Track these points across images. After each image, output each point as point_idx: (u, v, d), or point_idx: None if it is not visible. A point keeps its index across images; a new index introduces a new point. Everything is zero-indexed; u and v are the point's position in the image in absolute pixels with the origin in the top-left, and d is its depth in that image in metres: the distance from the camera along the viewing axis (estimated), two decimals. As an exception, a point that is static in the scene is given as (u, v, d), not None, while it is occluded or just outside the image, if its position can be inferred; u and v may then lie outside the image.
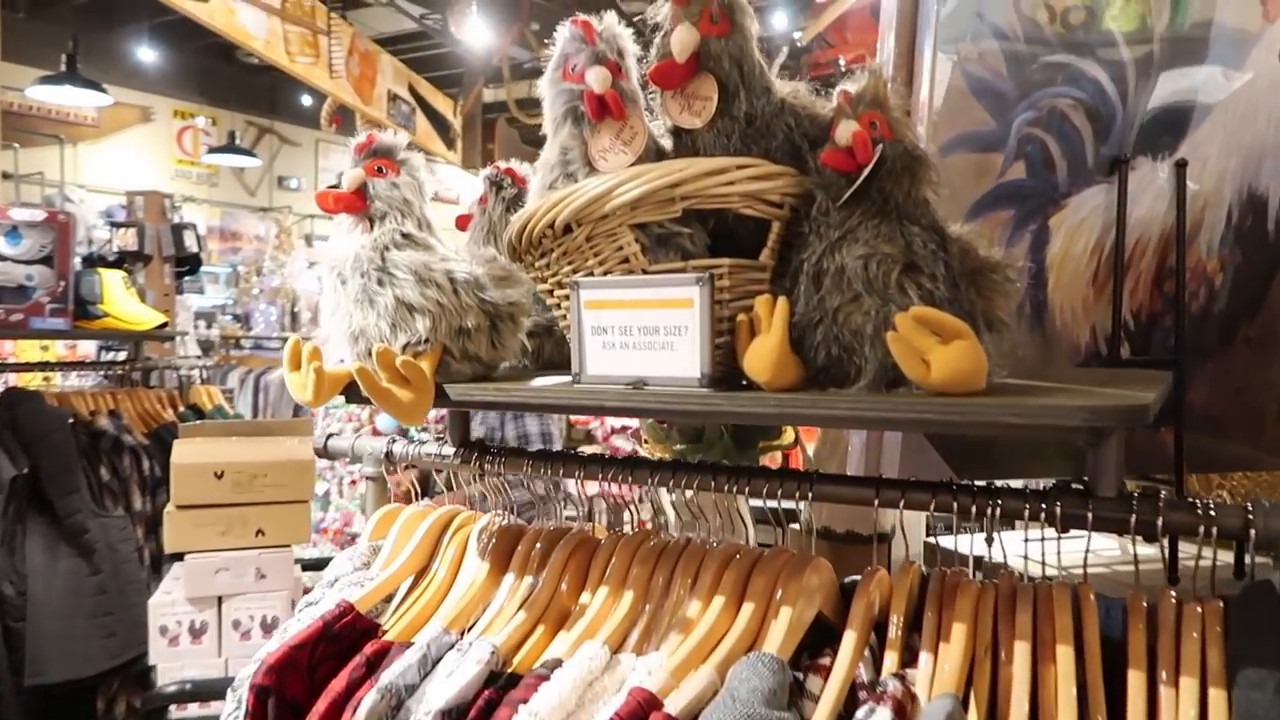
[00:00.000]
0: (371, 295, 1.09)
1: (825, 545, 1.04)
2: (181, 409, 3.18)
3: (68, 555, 2.51)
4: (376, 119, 7.76)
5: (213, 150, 10.14)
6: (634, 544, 1.12)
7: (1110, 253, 1.28)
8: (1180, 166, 1.29)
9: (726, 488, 1.08)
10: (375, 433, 3.36)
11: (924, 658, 0.93)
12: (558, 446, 2.13)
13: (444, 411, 1.41)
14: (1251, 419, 1.40)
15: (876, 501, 0.99)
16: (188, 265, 4.11)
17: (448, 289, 1.09)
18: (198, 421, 2.94)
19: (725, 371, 0.95)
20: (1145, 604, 0.90)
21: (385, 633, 1.13)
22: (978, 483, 0.98)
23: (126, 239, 3.70)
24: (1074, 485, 0.93)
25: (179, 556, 2.14)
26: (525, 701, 0.91)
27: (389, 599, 1.23)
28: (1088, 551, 0.94)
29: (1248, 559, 0.86)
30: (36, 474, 2.51)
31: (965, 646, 0.91)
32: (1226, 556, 1.42)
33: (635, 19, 1.05)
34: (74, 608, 2.48)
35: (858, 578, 1.02)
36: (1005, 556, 1.00)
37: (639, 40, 1.04)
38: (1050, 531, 0.94)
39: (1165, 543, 1.25)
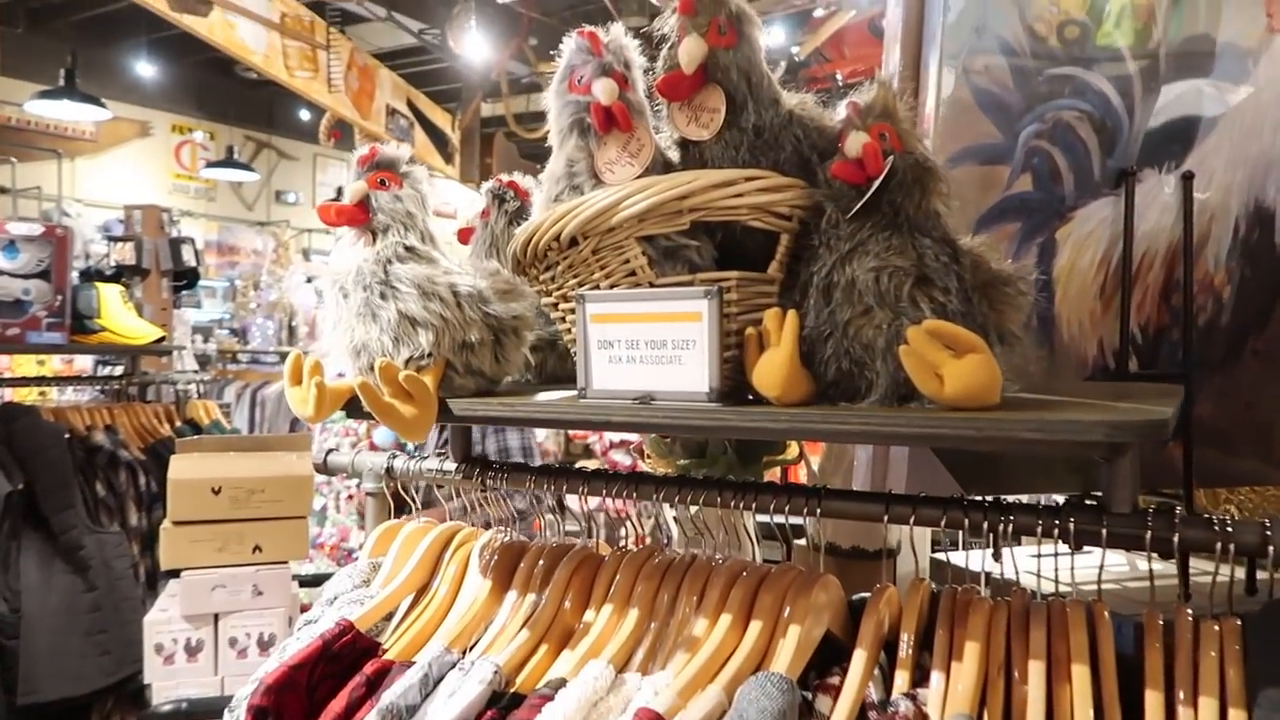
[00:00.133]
0: (374, 309, 1.08)
1: (830, 561, 1.02)
2: (178, 424, 3.16)
3: (62, 572, 2.48)
4: (375, 133, 7.77)
5: (211, 165, 10.14)
6: (638, 561, 1.11)
7: (1117, 265, 1.27)
8: (1187, 179, 1.28)
9: (733, 503, 1.06)
10: (373, 447, 3.34)
11: (936, 677, 0.91)
12: (537, 462, 2.12)
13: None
14: (1260, 433, 1.39)
15: (886, 518, 0.98)
16: (185, 279, 4.10)
17: (451, 302, 1.08)
18: (195, 436, 2.92)
19: (733, 386, 0.93)
20: (1161, 622, 0.89)
21: (386, 651, 1.11)
22: (988, 498, 0.96)
23: (124, 253, 3.70)
24: (1087, 501, 0.92)
25: (175, 573, 2.12)
26: (530, 722, 0.90)
27: (389, 617, 1.22)
28: (1102, 568, 0.93)
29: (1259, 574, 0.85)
30: (31, 490, 2.49)
31: (978, 665, 0.90)
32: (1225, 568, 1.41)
33: (640, 31, 1.05)
34: (68, 625, 2.46)
35: (866, 595, 1.01)
36: (1017, 573, 0.99)
37: (645, 52, 1.03)
38: (1058, 547, 0.92)
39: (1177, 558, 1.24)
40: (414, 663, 1.04)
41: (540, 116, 1.09)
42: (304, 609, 2.13)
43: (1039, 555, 0.99)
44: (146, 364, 3.53)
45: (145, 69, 9.41)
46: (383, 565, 1.29)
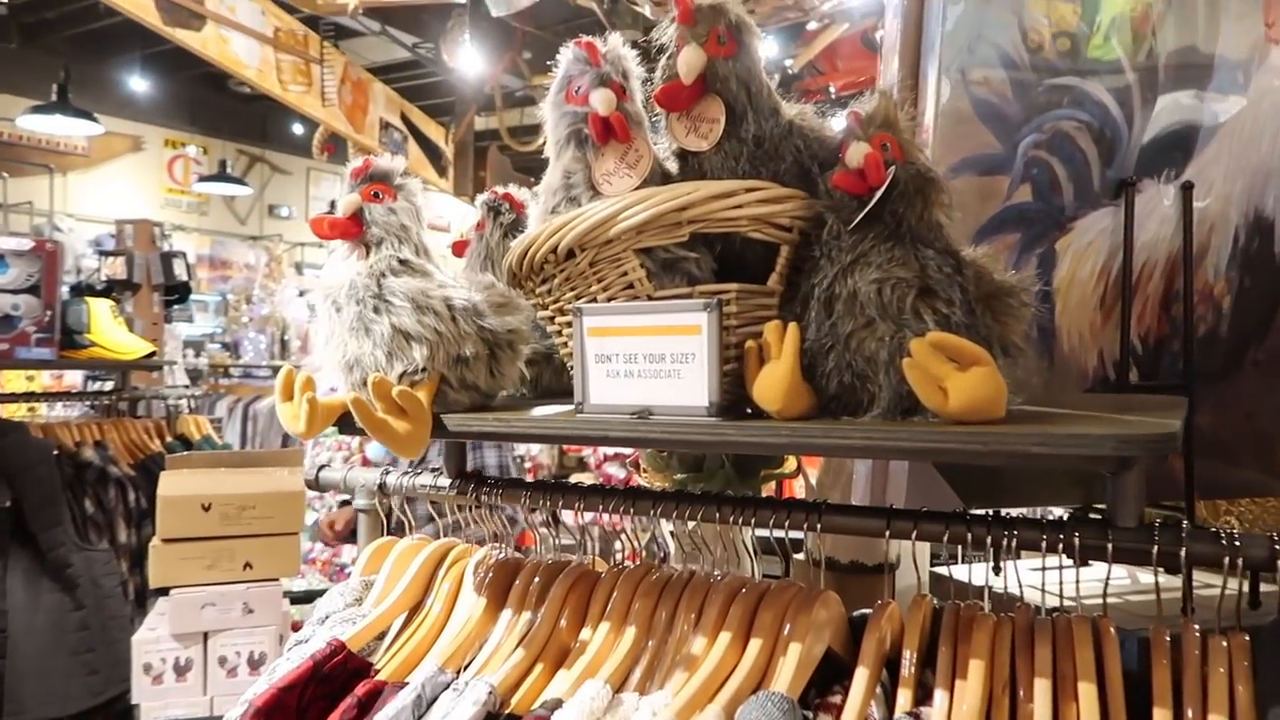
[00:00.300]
0: (367, 323, 1.06)
1: (830, 576, 1.01)
2: (169, 439, 3.14)
3: (50, 590, 2.45)
4: (368, 147, 7.77)
5: (203, 179, 10.13)
6: (635, 577, 1.09)
7: (1117, 276, 1.26)
8: (1186, 189, 1.28)
9: (733, 519, 1.05)
10: (365, 462, 3.31)
11: (939, 696, 0.90)
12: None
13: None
14: (1261, 444, 1.38)
15: (888, 533, 0.97)
16: (177, 294, 4.08)
17: (446, 316, 1.07)
18: (185, 452, 2.90)
19: (733, 400, 0.92)
20: (1167, 637, 0.87)
21: (378, 672, 1.10)
22: (989, 512, 0.95)
23: (115, 267, 3.68)
24: (1092, 514, 0.90)
25: (164, 591, 2.09)
26: (526, 745, 0.88)
27: (382, 636, 1.20)
28: (1108, 581, 0.91)
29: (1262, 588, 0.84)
30: (19, 507, 2.47)
31: (983, 684, 0.88)
32: (1215, 578, 1.40)
33: (638, 42, 1.04)
34: (55, 644, 2.43)
35: (868, 611, 0.99)
36: (1021, 587, 0.98)
37: (642, 62, 1.02)
38: (1061, 560, 0.91)
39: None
40: (407, 683, 1.03)
41: (534, 130, 1.08)
42: (295, 626, 2.10)
43: (1043, 569, 0.97)
44: (137, 379, 3.51)
45: (138, 84, 9.40)
46: (375, 583, 1.27)
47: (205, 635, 2.07)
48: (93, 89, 8.82)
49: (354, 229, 1.10)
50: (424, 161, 9.00)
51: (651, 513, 1.11)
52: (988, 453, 0.74)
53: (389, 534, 1.38)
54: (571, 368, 1.00)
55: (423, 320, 1.05)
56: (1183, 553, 0.84)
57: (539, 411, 1.07)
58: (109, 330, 2.98)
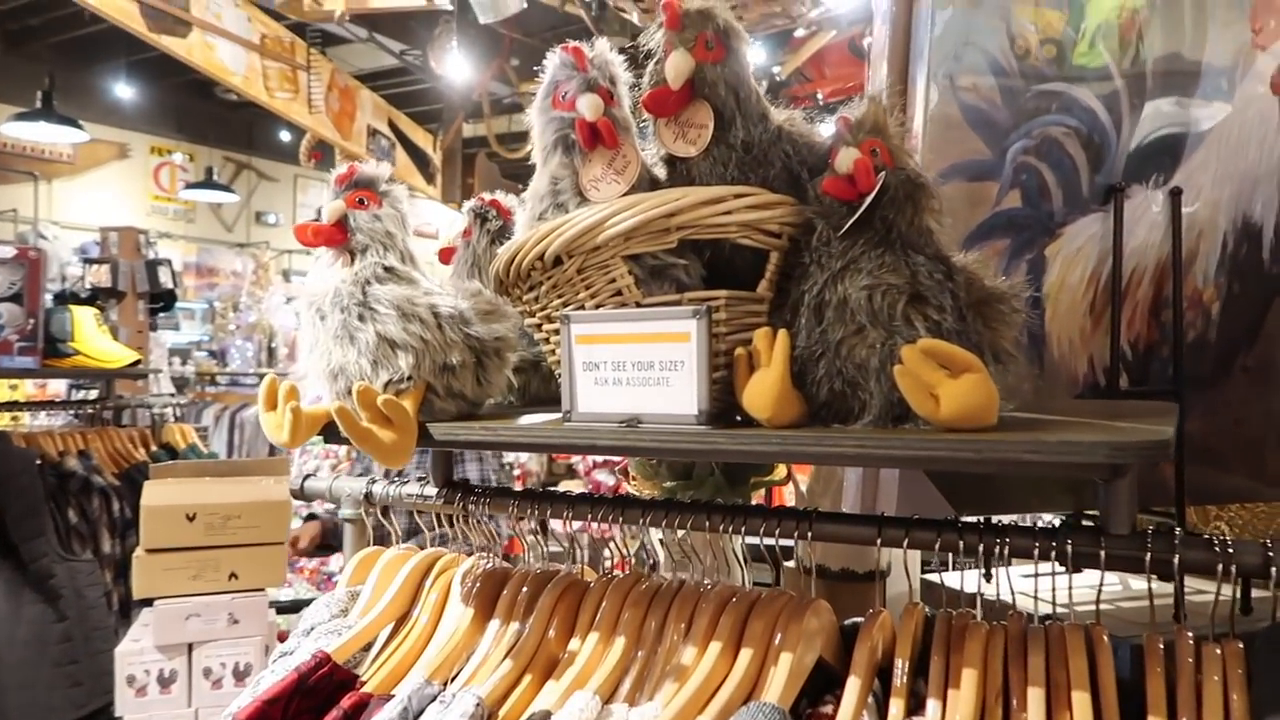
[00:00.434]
0: (352, 331, 1.05)
1: (820, 583, 1.00)
2: (154, 448, 3.11)
3: (32, 601, 2.43)
4: (356, 154, 7.74)
5: (190, 186, 10.08)
6: (625, 587, 1.08)
7: (1107, 282, 1.26)
8: (1175, 195, 1.28)
9: (723, 527, 1.04)
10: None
11: (931, 705, 0.89)
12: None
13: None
14: (1250, 449, 1.38)
15: (879, 541, 0.96)
16: (162, 302, 4.05)
17: (432, 324, 1.05)
18: (170, 461, 2.87)
19: (722, 408, 0.91)
20: (1161, 645, 0.87)
21: (364, 684, 1.08)
22: (980, 519, 0.94)
23: (99, 275, 3.66)
24: (1084, 521, 0.90)
25: (148, 602, 2.07)
26: (515, 759, 0.87)
27: (368, 647, 1.18)
28: (1100, 589, 0.91)
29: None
30: (1, 517, 2.44)
31: (975, 693, 0.87)
32: (1208, 585, 1.40)
33: (625, 48, 1.03)
34: (38, 656, 2.40)
35: (859, 620, 0.98)
36: (1013, 595, 0.97)
37: (630, 68, 1.01)
38: (1046, 566, 0.90)
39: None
40: (393, 696, 1.01)
41: (522, 137, 1.07)
42: (281, 636, 2.08)
43: (1035, 576, 0.97)
44: (122, 387, 3.48)
45: (124, 91, 9.36)
46: (361, 594, 1.25)
47: (190, 646, 2.05)
48: (78, 96, 8.78)
49: (338, 236, 1.09)
50: (412, 168, 8.98)
51: (641, 521, 1.10)
52: (980, 460, 0.73)
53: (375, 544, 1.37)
54: (559, 375, 0.99)
55: (408, 328, 1.04)
56: (1176, 560, 0.83)
57: (527, 420, 1.06)
58: (93, 338, 2.96)
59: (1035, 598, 0.96)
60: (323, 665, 1.08)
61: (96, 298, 3.38)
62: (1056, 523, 1.01)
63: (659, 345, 0.90)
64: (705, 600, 1.02)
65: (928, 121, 1.19)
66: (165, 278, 3.91)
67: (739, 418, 0.92)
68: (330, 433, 1.06)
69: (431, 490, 1.29)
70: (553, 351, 1.02)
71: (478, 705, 0.96)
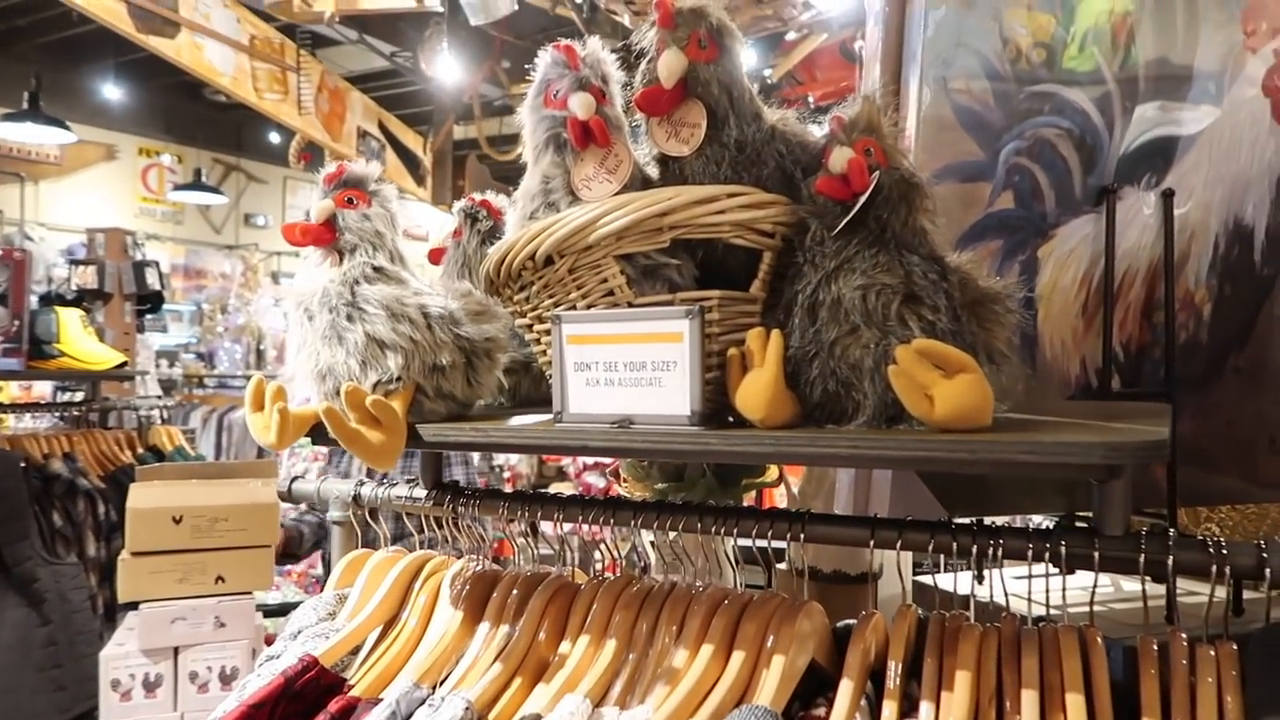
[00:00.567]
0: (340, 331, 1.04)
1: (812, 585, 1.00)
2: (140, 451, 3.09)
3: (16, 605, 2.40)
4: (346, 155, 7.72)
5: (178, 188, 10.02)
6: (615, 589, 1.07)
7: (1099, 283, 1.26)
8: (1167, 196, 1.28)
9: (715, 529, 1.03)
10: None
11: (925, 708, 0.88)
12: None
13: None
14: (1241, 450, 1.38)
15: (873, 543, 0.95)
16: (149, 303, 4.02)
17: (421, 324, 1.04)
18: (156, 464, 2.85)
19: (715, 408, 0.90)
20: (1155, 647, 0.86)
21: (352, 688, 1.07)
22: (974, 521, 0.94)
23: (86, 276, 3.63)
24: (1077, 523, 0.89)
25: (134, 605, 2.04)
26: (505, 763, 0.86)
27: (356, 651, 1.17)
28: (1094, 590, 0.90)
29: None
30: (-15, 520, 2.41)
31: (969, 695, 0.87)
32: (1199, 587, 1.40)
33: (618, 47, 1.02)
34: (22, 660, 2.37)
35: (851, 622, 0.98)
36: (1006, 597, 0.96)
37: (622, 67, 1.01)
38: (1040, 568, 0.90)
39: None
40: (381, 699, 1.00)
41: (513, 139, 1.06)
42: (269, 640, 2.06)
43: (1029, 577, 0.96)
44: (108, 389, 3.45)
45: (112, 92, 9.30)
46: (349, 596, 1.24)
47: (176, 650, 2.02)
48: (65, 97, 8.72)
49: (327, 235, 1.08)
50: (402, 170, 8.96)
51: (632, 523, 1.09)
52: (975, 461, 0.73)
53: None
54: (550, 376, 0.98)
55: (397, 328, 1.03)
56: (1170, 561, 0.83)
57: (517, 421, 1.05)
58: (79, 340, 2.93)
59: (1029, 600, 0.96)
60: (310, 669, 1.06)
61: (82, 299, 3.35)
62: (1047, 525, 1.00)
63: (651, 345, 0.89)
64: (697, 603, 1.02)
65: (920, 122, 1.19)
66: (152, 279, 3.87)
67: (732, 419, 0.92)
68: (318, 434, 1.04)
69: (421, 492, 1.28)
70: (544, 352, 1.01)
71: (467, 709, 0.95)
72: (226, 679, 2.04)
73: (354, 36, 7.32)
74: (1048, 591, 0.91)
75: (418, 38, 6.95)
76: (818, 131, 0.99)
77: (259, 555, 2.13)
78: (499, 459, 5.41)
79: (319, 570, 4.28)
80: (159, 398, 3.88)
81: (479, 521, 1.25)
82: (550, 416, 0.98)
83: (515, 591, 1.12)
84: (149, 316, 4.32)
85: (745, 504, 1.47)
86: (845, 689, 0.90)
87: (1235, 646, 0.83)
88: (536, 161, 1.01)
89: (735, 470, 1.39)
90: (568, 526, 1.16)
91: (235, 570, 2.09)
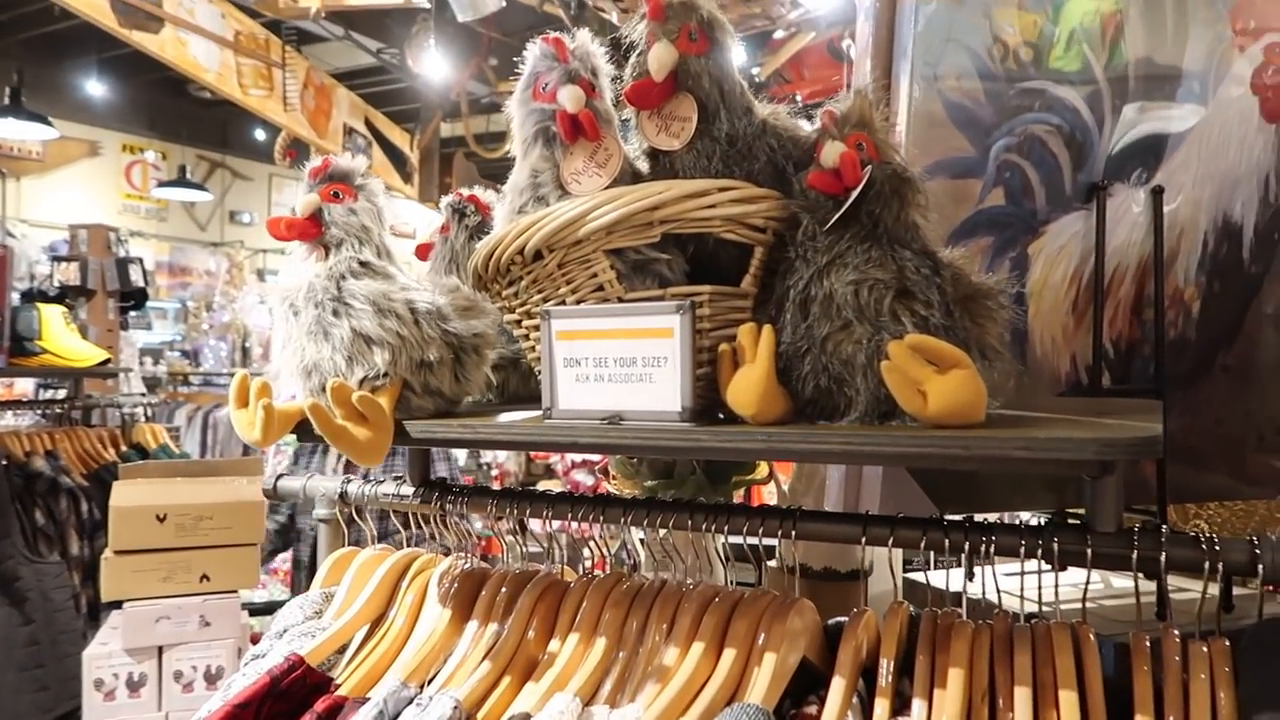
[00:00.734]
0: (326, 327, 1.03)
1: (803, 583, 0.99)
2: (124, 448, 3.06)
3: (-3, 605, 2.37)
4: (331, 152, 7.67)
5: (162, 184, 9.95)
6: (605, 587, 1.06)
7: (1089, 280, 1.26)
8: (1157, 194, 1.28)
9: (705, 526, 1.02)
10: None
11: (917, 705, 0.88)
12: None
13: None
14: (1230, 448, 1.38)
15: (864, 540, 0.95)
16: (133, 300, 3.99)
17: (408, 320, 1.03)
18: (140, 462, 2.82)
19: (706, 405, 0.90)
20: (1148, 643, 0.86)
21: (338, 687, 1.06)
22: (966, 517, 0.93)
23: (68, 273, 3.60)
24: (1070, 519, 0.89)
25: (118, 604, 2.03)
26: (494, 763, 0.85)
27: (342, 650, 1.16)
28: (1087, 587, 0.90)
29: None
30: (-35, 519, 2.38)
31: (962, 692, 0.87)
32: (1188, 583, 1.40)
33: (608, 39, 1.01)
34: (4, 660, 2.35)
35: (843, 619, 0.97)
36: (999, 595, 0.96)
37: (611, 60, 1.00)
38: (1031, 565, 0.90)
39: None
40: (368, 699, 0.99)
41: (500, 136, 1.05)
42: (254, 639, 2.05)
43: (1021, 574, 0.96)
44: (91, 387, 3.42)
45: (95, 88, 9.23)
46: (336, 595, 1.23)
47: (160, 649, 2.01)
48: (47, 92, 8.65)
49: (312, 230, 1.07)
50: (389, 167, 8.92)
51: (622, 520, 1.08)
52: (969, 457, 0.72)
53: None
54: (539, 372, 0.97)
55: (384, 324, 1.02)
56: (1162, 557, 0.83)
57: (506, 417, 1.04)
58: (61, 337, 2.91)
59: (1021, 597, 0.95)
60: (296, 668, 1.05)
61: (65, 296, 3.32)
62: (1035, 522, 1.00)
63: (641, 341, 0.89)
64: (687, 600, 1.01)
65: (911, 118, 1.18)
66: (136, 276, 3.85)
67: (723, 415, 0.91)
68: (304, 431, 1.03)
69: (408, 489, 1.27)
70: (532, 348, 1.00)
71: (455, 708, 0.94)
72: (212, 678, 2.03)
73: (340, 32, 7.29)
74: (1040, 588, 0.91)
75: (404, 34, 6.92)
76: (809, 126, 0.99)
77: (244, 553, 2.12)
78: (487, 456, 5.40)
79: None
80: (143, 395, 3.85)
81: (465, 518, 1.24)
82: (539, 413, 0.98)
83: (504, 589, 1.11)
84: (133, 313, 4.29)
85: (735, 501, 1.47)
86: (837, 687, 0.90)
87: (1227, 643, 0.83)
88: (525, 155, 1.00)
89: (725, 467, 1.39)
90: (556, 524, 1.15)
91: (220, 568, 2.08)
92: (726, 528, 1.02)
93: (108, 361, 3.10)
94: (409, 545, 1.31)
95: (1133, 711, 0.82)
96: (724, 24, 0.94)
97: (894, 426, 0.81)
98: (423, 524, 1.31)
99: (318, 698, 1.02)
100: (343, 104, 8.21)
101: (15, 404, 3.62)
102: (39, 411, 3.36)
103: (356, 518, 1.36)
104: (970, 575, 0.96)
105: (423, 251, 1.41)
